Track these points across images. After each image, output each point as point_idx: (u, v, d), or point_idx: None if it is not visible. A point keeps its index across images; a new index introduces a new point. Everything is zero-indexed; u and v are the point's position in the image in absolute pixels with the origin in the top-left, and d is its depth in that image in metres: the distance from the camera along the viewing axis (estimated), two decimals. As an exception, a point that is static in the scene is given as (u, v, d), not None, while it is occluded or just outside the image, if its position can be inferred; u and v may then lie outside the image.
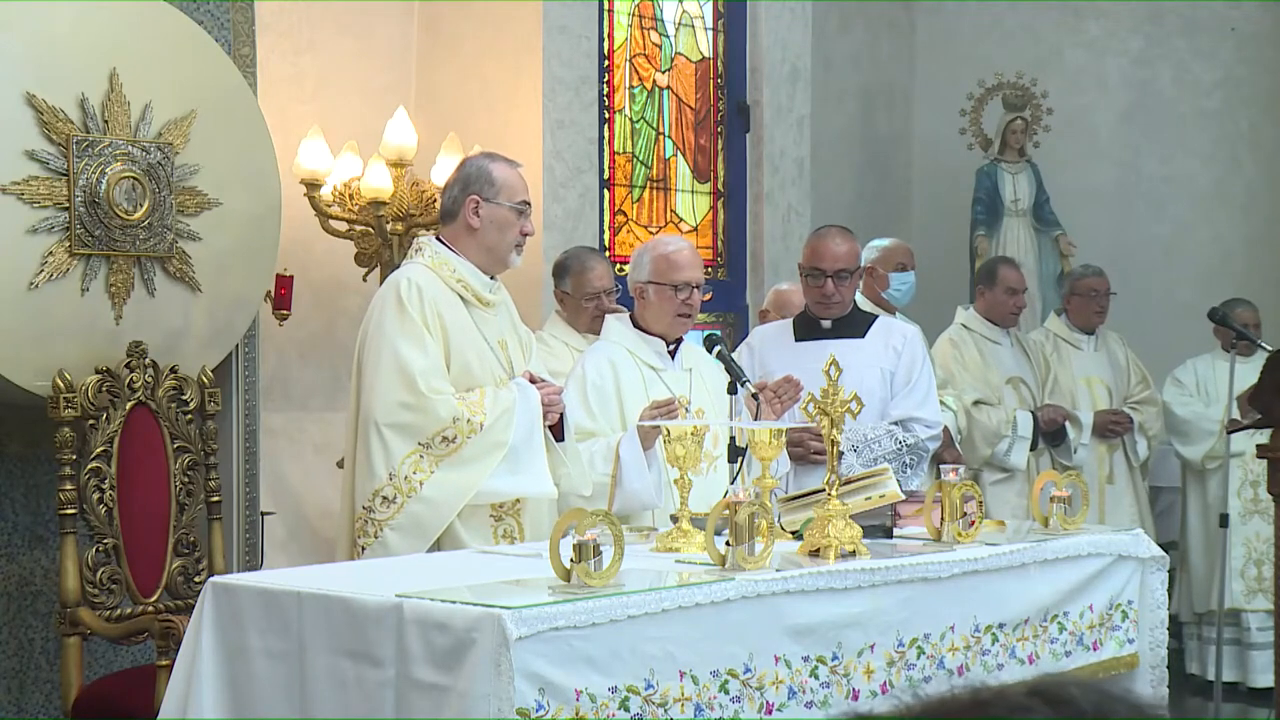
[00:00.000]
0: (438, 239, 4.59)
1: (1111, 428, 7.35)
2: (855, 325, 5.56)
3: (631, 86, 7.49)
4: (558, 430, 4.58)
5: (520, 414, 4.42)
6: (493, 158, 4.65)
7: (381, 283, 4.84)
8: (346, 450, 4.49)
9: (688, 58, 7.77)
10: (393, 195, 6.15)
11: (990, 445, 6.99)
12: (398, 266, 4.83)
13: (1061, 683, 1.36)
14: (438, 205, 4.87)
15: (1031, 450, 7.08)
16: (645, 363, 4.96)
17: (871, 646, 3.81)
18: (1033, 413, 7.12)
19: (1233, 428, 6.24)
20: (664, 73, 7.66)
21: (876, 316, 5.71)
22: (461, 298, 4.51)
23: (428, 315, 4.41)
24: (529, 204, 4.60)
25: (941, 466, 4.47)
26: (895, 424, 5.40)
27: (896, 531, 4.35)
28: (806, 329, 5.57)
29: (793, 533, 4.11)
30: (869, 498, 4.18)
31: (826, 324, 5.53)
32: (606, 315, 5.36)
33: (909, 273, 6.75)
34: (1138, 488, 7.50)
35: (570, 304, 5.84)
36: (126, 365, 4.78)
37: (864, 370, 5.28)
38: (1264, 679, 7.07)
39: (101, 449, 4.69)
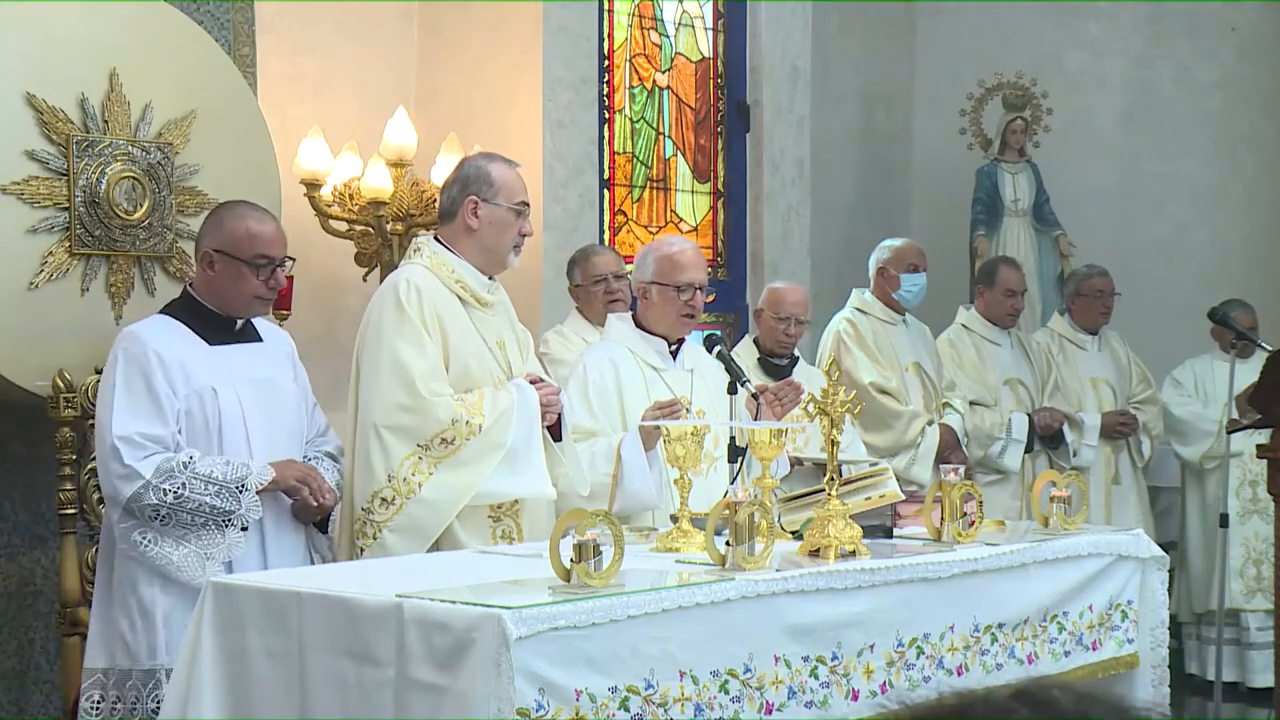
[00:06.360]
0: (436, 239, 4.59)
1: (1119, 429, 7.35)
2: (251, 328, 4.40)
3: (631, 86, 7.49)
4: (555, 430, 4.58)
5: (519, 415, 4.41)
6: (491, 158, 4.64)
7: (381, 283, 4.83)
8: (345, 452, 4.48)
9: (688, 58, 7.77)
10: (393, 195, 6.15)
11: (983, 447, 6.97)
12: (398, 266, 4.82)
13: (1044, 685, 1.38)
14: (437, 205, 4.87)
15: (1027, 453, 7.07)
16: (647, 363, 4.96)
17: (871, 646, 3.81)
18: (1029, 415, 7.10)
19: (1233, 428, 6.24)
20: (664, 73, 7.66)
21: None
22: (460, 298, 4.51)
23: (426, 317, 4.40)
24: (528, 204, 4.59)
25: (943, 466, 4.47)
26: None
27: (896, 531, 4.35)
28: (215, 330, 4.30)
29: (793, 533, 4.11)
30: (869, 498, 4.18)
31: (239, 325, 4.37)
32: (609, 315, 5.36)
33: (920, 274, 6.73)
34: (1141, 488, 7.50)
35: (582, 294, 6.04)
36: (126, 365, 4.78)
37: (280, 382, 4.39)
38: (1263, 679, 7.08)
39: (101, 449, 4.68)
